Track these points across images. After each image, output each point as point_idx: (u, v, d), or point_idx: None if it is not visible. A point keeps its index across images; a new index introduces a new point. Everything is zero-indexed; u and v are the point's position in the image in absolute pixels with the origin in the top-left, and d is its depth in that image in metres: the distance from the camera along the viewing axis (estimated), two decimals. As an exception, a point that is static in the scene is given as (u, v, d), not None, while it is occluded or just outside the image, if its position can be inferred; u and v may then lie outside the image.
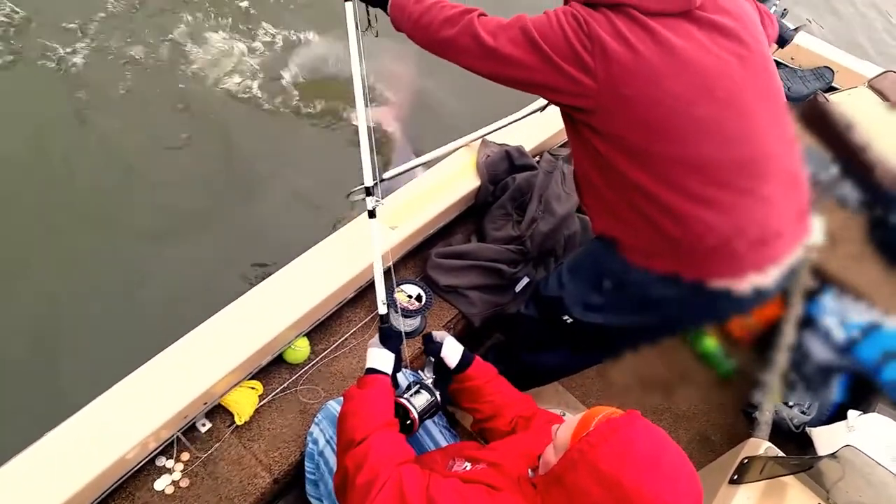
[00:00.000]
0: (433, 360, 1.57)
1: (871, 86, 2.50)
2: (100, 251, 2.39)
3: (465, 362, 1.56)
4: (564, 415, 2.16)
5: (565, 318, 1.69)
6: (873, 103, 2.46)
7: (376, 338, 1.52)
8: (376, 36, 1.79)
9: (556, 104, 1.49)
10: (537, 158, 2.37)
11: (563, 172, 2.31)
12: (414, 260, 2.16)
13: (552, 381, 2.21)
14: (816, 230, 1.59)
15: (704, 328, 2.56)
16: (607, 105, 1.36)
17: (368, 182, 1.63)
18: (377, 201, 1.66)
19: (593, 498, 0.96)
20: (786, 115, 1.46)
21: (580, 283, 1.67)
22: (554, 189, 2.24)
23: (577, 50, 1.33)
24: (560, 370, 2.10)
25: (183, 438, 1.60)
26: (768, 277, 1.45)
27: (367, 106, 1.65)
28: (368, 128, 1.63)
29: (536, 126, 2.42)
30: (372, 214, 1.64)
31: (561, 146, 2.58)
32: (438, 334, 1.59)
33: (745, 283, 1.45)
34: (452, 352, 1.56)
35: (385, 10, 1.61)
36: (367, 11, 1.74)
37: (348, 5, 1.69)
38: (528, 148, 2.34)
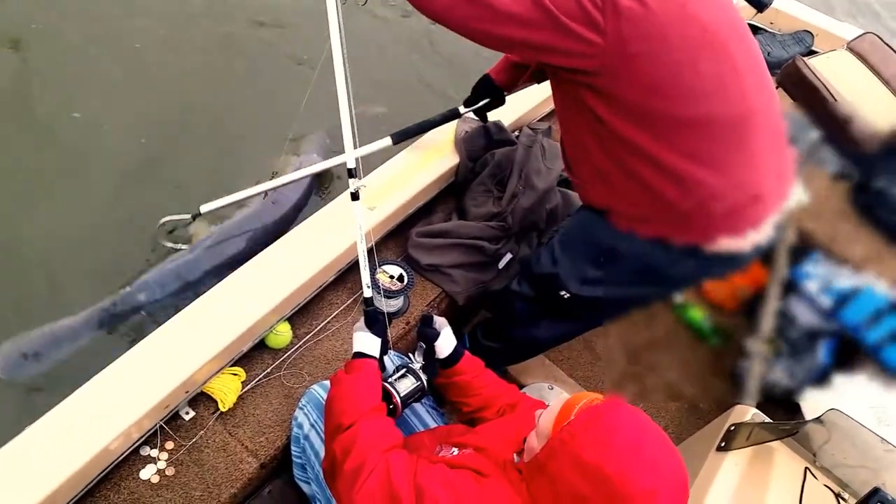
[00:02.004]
0: (424, 345, 1.56)
1: (851, 48, 2.48)
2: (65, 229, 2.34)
3: (455, 356, 1.56)
4: (552, 388, 2.18)
5: (562, 293, 1.68)
6: (853, 66, 2.44)
7: (362, 321, 1.51)
8: (364, 3, 1.74)
9: (556, 67, 1.42)
10: (516, 133, 2.35)
11: (542, 146, 2.29)
12: (394, 240, 2.15)
13: (543, 351, 2.20)
14: (799, 192, 1.59)
15: (691, 299, 2.57)
16: (614, 64, 1.31)
17: (351, 164, 1.60)
18: (360, 183, 1.63)
19: (576, 486, 0.96)
20: (766, 72, 1.45)
21: (574, 257, 1.66)
22: (534, 163, 2.22)
23: (587, 7, 1.26)
24: (553, 342, 2.09)
25: (166, 427, 1.59)
26: (763, 234, 1.46)
27: (348, 86, 1.61)
28: (350, 109, 1.60)
29: (514, 100, 2.39)
30: (355, 196, 1.60)
31: (539, 120, 2.56)
32: (439, 321, 1.58)
33: (745, 242, 1.46)
34: (446, 343, 1.55)
35: None
36: None
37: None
38: (506, 123, 2.32)
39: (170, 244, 2.21)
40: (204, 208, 2.03)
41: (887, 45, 2.53)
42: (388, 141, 1.95)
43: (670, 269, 1.55)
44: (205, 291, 1.72)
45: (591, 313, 1.83)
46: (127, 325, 2.06)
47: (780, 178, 1.48)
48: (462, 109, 1.98)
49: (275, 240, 1.87)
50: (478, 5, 1.31)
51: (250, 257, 1.81)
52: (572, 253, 1.67)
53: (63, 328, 1.98)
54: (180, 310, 1.66)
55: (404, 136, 1.98)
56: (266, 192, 2.09)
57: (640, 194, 1.44)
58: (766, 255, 2.38)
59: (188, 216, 2.11)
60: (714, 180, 1.39)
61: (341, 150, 1.64)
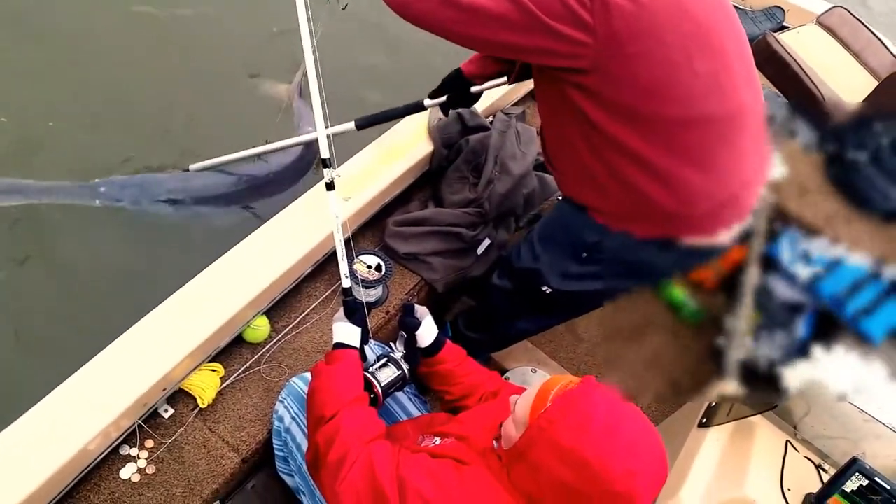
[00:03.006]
0: (405, 335, 1.56)
1: (820, 22, 2.50)
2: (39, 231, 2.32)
3: (437, 345, 1.55)
4: (535, 372, 2.18)
5: (544, 288, 1.67)
6: (822, 40, 2.46)
7: (341, 312, 1.50)
8: (344, 8, 1.71)
9: (542, 67, 1.38)
10: (490, 119, 2.35)
11: (517, 131, 2.28)
12: (371, 230, 2.13)
13: (524, 339, 2.21)
14: (776, 168, 1.60)
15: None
16: (605, 64, 1.26)
17: (325, 153, 1.59)
18: (335, 173, 1.61)
19: (557, 473, 0.97)
20: (751, 59, 1.42)
21: (555, 252, 1.64)
22: (509, 148, 2.21)
23: (573, 7, 1.21)
24: (534, 332, 2.10)
25: (144, 426, 1.57)
26: (745, 223, 1.51)
27: (318, 74, 1.60)
28: (321, 97, 1.59)
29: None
30: (330, 186, 1.58)
31: (513, 105, 2.55)
32: (420, 310, 1.57)
33: (728, 234, 1.50)
34: (428, 332, 1.55)
35: None
36: None
37: None
38: (479, 109, 2.31)
39: None
40: (193, 167, 2.24)
41: (856, 17, 2.54)
42: (351, 125, 1.92)
43: (652, 263, 1.56)
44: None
45: (572, 306, 1.84)
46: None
47: (761, 167, 1.49)
48: (426, 102, 1.92)
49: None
50: (457, 9, 1.27)
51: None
52: (553, 248, 1.65)
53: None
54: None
55: (369, 123, 1.95)
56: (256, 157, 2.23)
57: (625, 193, 1.41)
58: (745, 234, 2.40)
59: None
60: (703, 180, 1.37)
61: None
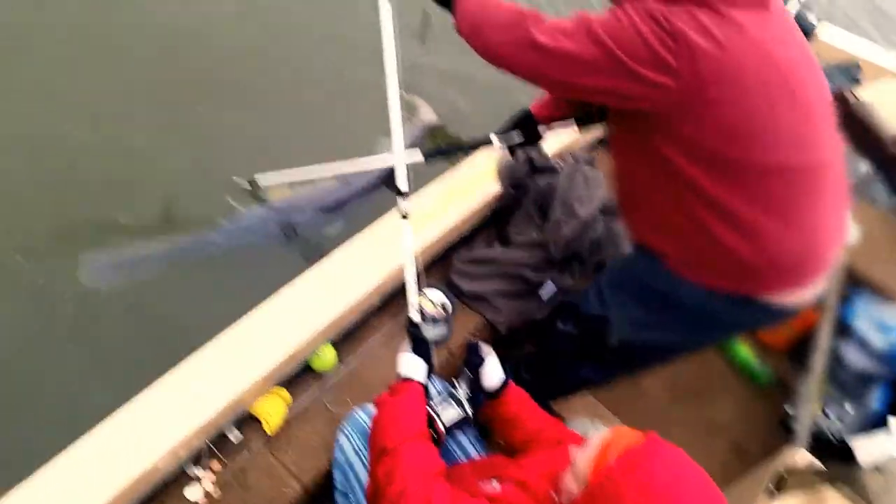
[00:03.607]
0: (469, 374, 1.55)
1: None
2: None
3: (501, 386, 1.54)
4: (595, 426, 2.13)
5: (610, 336, 1.64)
6: (902, 96, 2.40)
7: (407, 345, 1.51)
8: (424, 43, 1.75)
9: (621, 109, 1.38)
10: (558, 161, 2.35)
11: (585, 175, 2.28)
12: (437, 266, 2.15)
13: (584, 389, 2.17)
14: (852, 231, 1.56)
15: (740, 339, 2.52)
16: (688, 108, 1.26)
17: (403, 186, 1.61)
18: (409, 205, 1.63)
19: None
20: (832, 113, 1.39)
21: (624, 299, 1.61)
22: (576, 192, 2.21)
23: (657, 51, 1.21)
24: (596, 383, 2.05)
25: (213, 447, 1.59)
26: (823, 284, 1.44)
27: (401, 105, 1.63)
28: (399, 113, 1.63)
29: (556, 130, 2.40)
30: (405, 217, 1.60)
31: (582, 149, 2.56)
32: (485, 349, 1.57)
33: (807, 294, 1.43)
34: (493, 372, 1.54)
35: (451, 11, 1.52)
36: (425, 20, 1.70)
37: (383, 2, 1.65)
38: (548, 152, 2.32)
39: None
40: (263, 181, 2.33)
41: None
42: (418, 155, 1.93)
43: (725, 317, 1.50)
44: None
45: (638, 357, 1.78)
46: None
47: (840, 226, 1.44)
48: (493, 138, 1.91)
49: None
50: (540, 52, 1.30)
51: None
52: (622, 295, 1.62)
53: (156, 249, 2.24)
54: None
55: (436, 154, 1.97)
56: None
57: (702, 242, 1.38)
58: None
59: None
60: (783, 232, 1.33)
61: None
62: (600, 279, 1.69)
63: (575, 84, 1.33)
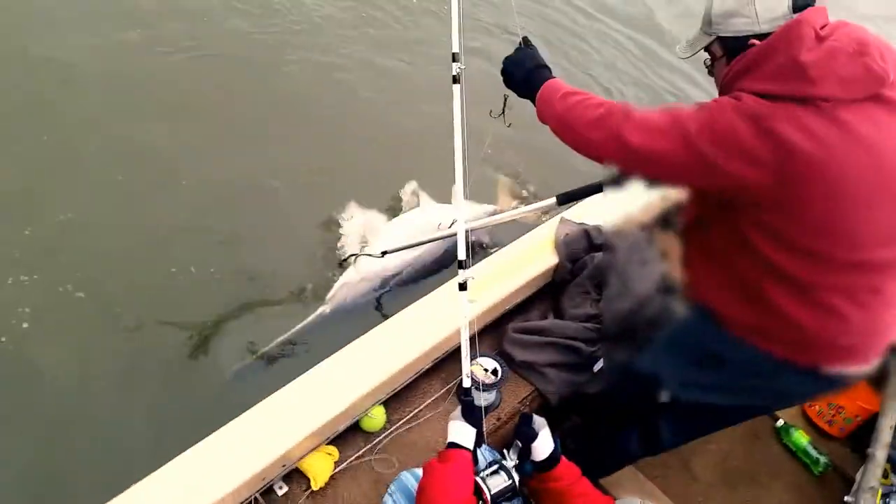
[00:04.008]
0: (520, 444, 1.54)
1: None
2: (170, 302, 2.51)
3: (553, 460, 1.52)
4: (644, 502, 2.06)
5: (660, 393, 1.63)
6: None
7: (458, 411, 1.50)
8: (508, 126, 1.82)
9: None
10: (617, 238, 2.37)
11: (642, 253, 2.29)
12: (490, 334, 2.17)
13: (631, 462, 2.11)
14: None
15: (796, 422, 2.43)
16: (780, 203, 1.27)
17: (462, 256, 1.65)
18: (469, 274, 1.65)
19: None
20: None
21: (678, 358, 1.61)
22: (634, 269, 2.22)
23: (752, 151, 1.22)
24: (643, 451, 1.97)
25: (261, 500, 1.62)
26: (877, 360, 1.42)
27: (465, 187, 1.69)
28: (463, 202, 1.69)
29: (615, 207, 2.43)
30: (463, 287, 1.62)
31: (640, 227, 2.57)
32: (538, 421, 1.55)
33: (861, 370, 1.41)
34: (544, 445, 1.52)
35: (533, 101, 1.56)
36: (504, 101, 1.75)
37: (455, 87, 1.72)
38: (607, 227, 2.35)
39: None
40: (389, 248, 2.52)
41: None
42: (552, 201, 2.05)
43: (777, 383, 1.49)
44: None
45: (687, 421, 1.75)
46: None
47: None
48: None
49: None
50: (630, 151, 1.33)
51: None
52: (676, 354, 1.61)
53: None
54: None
55: (569, 199, 2.05)
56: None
57: (775, 316, 1.38)
58: (877, 380, 2.24)
59: (378, 254, 2.56)
60: (855, 317, 1.34)
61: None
62: (654, 341, 1.69)
63: (667, 180, 1.40)
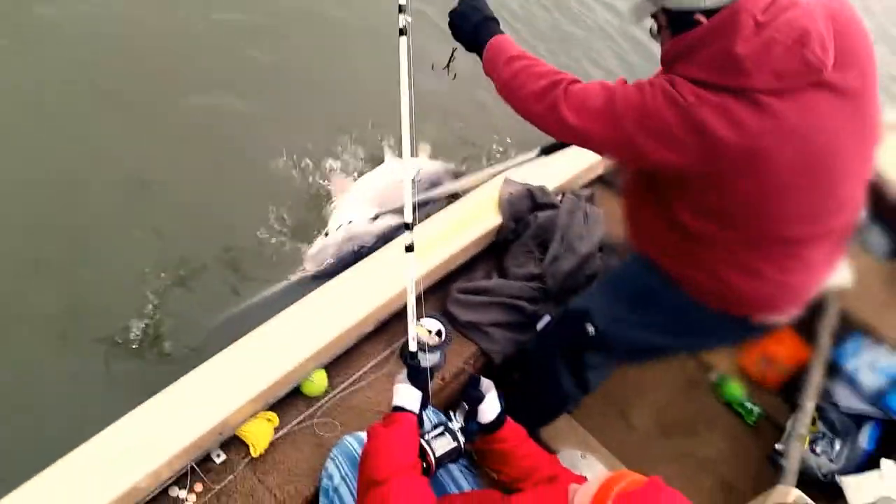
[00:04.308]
0: (467, 407, 1.54)
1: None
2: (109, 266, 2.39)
3: (498, 422, 1.53)
4: (584, 457, 2.12)
5: (588, 327, 1.67)
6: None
7: (403, 374, 1.49)
8: (453, 78, 1.76)
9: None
10: (559, 198, 2.37)
11: (585, 212, 2.31)
12: (434, 295, 2.14)
13: (567, 404, 2.12)
14: (845, 274, 1.60)
15: (731, 374, 2.53)
16: (706, 186, 1.32)
17: (408, 218, 1.61)
18: (415, 237, 1.60)
19: None
20: (870, 164, 1.42)
21: (612, 296, 1.68)
22: (576, 228, 2.23)
23: (677, 138, 1.25)
24: (572, 391, 1.97)
25: (197, 469, 1.57)
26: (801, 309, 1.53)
27: (412, 143, 1.63)
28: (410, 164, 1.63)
29: (559, 166, 2.43)
30: (410, 249, 1.58)
31: (583, 186, 2.58)
32: (486, 384, 1.55)
33: (786, 317, 1.52)
34: (491, 408, 1.52)
35: (480, 57, 1.56)
36: (452, 53, 1.71)
37: (402, 40, 1.65)
38: (550, 187, 2.35)
39: None
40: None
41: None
42: (535, 153, 2.06)
43: (704, 327, 1.58)
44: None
45: (610, 358, 1.81)
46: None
47: (833, 266, 1.51)
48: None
49: None
50: (567, 127, 1.37)
51: None
52: (610, 293, 1.70)
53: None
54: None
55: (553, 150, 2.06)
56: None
57: (708, 276, 1.46)
58: (808, 334, 2.35)
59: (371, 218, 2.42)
60: (780, 279, 1.42)
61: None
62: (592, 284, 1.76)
63: (598, 152, 1.46)
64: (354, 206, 2.48)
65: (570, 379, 1.87)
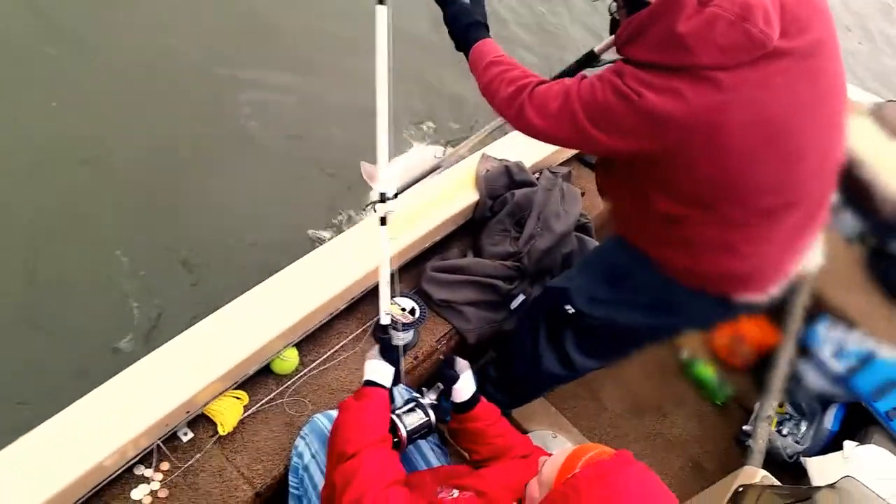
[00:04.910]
0: (441, 386, 1.53)
1: (873, 115, 2.49)
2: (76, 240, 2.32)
3: (472, 401, 1.53)
4: (555, 437, 2.13)
5: (567, 307, 1.69)
6: (874, 132, 2.45)
7: (375, 349, 1.48)
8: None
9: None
10: (536, 175, 2.35)
11: (562, 190, 2.28)
12: (408, 273, 2.12)
13: (553, 385, 2.13)
14: (817, 256, 1.61)
15: (701, 355, 2.55)
16: (667, 165, 1.33)
17: (383, 188, 1.57)
18: (390, 208, 1.58)
19: None
20: (839, 130, 1.41)
21: (590, 276, 1.70)
22: (553, 207, 2.21)
23: (628, 127, 1.27)
24: (560, 372, 1.97)
25: (163, 447, 1.54)
26: (780, 288, 1.53)
27: (389, 110, 1.59)
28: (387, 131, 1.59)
29: (536, 143, 2.40)
30: (383, 222, 1.55)
31: (560, 164, 2.56)
32: (461, 364, 1.55)
33: (763, 297, 1.51)
34: (465, 387, 1.52)
35: (466, 57, 1.62)
36: None
37: (380, 9, 1.64)
38: (527, 164, 2.31)
39: None
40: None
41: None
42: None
43: (683, 306, 1.58)
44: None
45: (590, 339, 1.81)
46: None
47: (805, 245, 1.51)
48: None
49: None
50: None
51: None
52: (588, 271, 1.72)
53: None
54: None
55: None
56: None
57: (677, 250, 1.48)
58: (778, 316, 2.37)
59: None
60: (750, 254, 1.42)
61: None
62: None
63: (568, 148, 1.54)
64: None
65: (554, 357, 1.86)
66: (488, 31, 1.61)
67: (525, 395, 2.11)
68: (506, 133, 2.42)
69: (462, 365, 1.54)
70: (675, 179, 1.35)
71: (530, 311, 1.89)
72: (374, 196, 1.93)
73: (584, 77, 1.36)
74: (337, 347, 1.88)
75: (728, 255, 1.43)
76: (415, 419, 1.46)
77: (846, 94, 1.39)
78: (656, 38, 1.23)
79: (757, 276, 1.48)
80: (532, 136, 1.47)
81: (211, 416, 1.62)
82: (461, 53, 1.61)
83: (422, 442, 1.59)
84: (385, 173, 1.51)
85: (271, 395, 1.73)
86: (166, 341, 1.60)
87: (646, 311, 1.62)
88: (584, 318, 1.68)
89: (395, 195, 1.92)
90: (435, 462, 1.61)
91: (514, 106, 1.45)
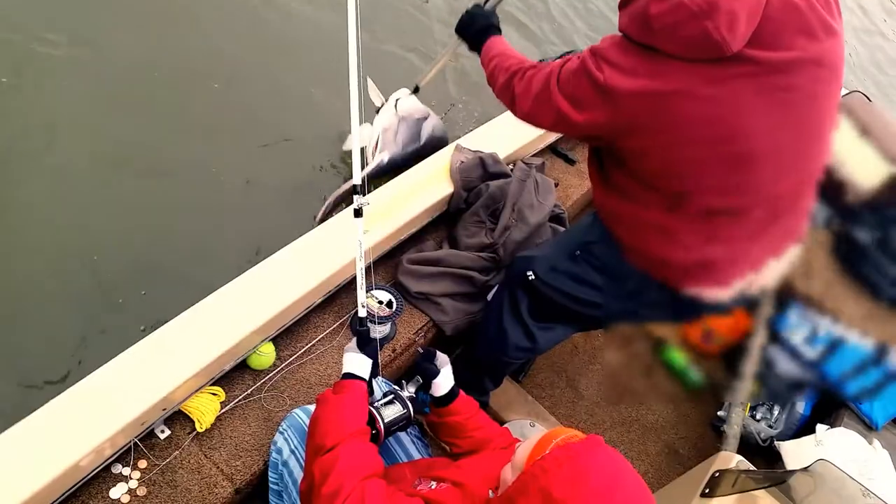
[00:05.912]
0: (420, 380, 1.53)
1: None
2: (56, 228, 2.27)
3: (451, 395, 1.53)
4: (533, 426, 2.15)
5: (528, 273, 1.73)
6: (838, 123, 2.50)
7: (353, 342, 1.48)
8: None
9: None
10: (511, 166, 2.36)
11: (536, 181, 2.29)
12: (385, 265, 2.12)
13: (516, 360, 2.07)
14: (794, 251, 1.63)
15: (674, 341, 2.57)
16: (629, 144, 1.37)
17: (357, 180, 1.57)
18: (364, 201, 1.58)
19: None
20: (818, 151, 1.42)
21: (557, 248, 1.76)
22: (527, 198, 2.22)
23: (589, 98, 1.34)
24: (516, 348, 1.95)
25: (140, 445, 1.52)
26: (744, 288, 1.53)
27: (360, 104, 1.59)
28: (360, 126, 1.59)
29: (511, 134, 2.41)
30: (358, 213, 1.56)
31: (534, 155, 2.57)
32: (441, 358, 1.56)
33: (716, 295, 1.53)
34: (445, 381, 1.53)
35: (479, 54, 1.77)
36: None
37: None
38: (501, 156, 2.32)
39: None
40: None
41: (871, 101, 2.60)
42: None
43: (634, 292, 1.61)
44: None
45: (544, 306, 1.81)
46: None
47: (768, 254, 1.53)
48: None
49: None
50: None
51: None
52: (557, 245, 1.79)
53: None
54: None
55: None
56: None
57: (630, 234, 1.54)
58: (749, 303, 2.41)
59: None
60: (708, 253, 1.46)
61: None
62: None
63: (551, 131, 1.63)
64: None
65: (519, 331, 1.86)
66: (500, 31, 1.76)
67: (492, 374, 2.08)
68: (480, 124, 2.44)
69: (442, 359, 1.55)
70: (632, 159, 1.40)
71: (499, 288, 1.94)
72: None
73: (571, 59, 1.42)
74: (314, 341, 1.87)
75: (669, 243, 1.46)
76: (393, 411, 1.46)
77: (833, 116, 1.39)
78: (634, 12, 1.28)
79: (702, 273, 1.50)
80: (524, 120, 1.55)
81: (188, 413, 1.61)
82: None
83: (402, 434, 1.59)
84: (358, 166, 1.52)
85: (249, 391, 1.72)
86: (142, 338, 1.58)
87: (598, 289, 1.66)
88: (541, 284, 1.72)
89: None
90: (416, 454, 1.61)
91: (507, 93, 1.56)
